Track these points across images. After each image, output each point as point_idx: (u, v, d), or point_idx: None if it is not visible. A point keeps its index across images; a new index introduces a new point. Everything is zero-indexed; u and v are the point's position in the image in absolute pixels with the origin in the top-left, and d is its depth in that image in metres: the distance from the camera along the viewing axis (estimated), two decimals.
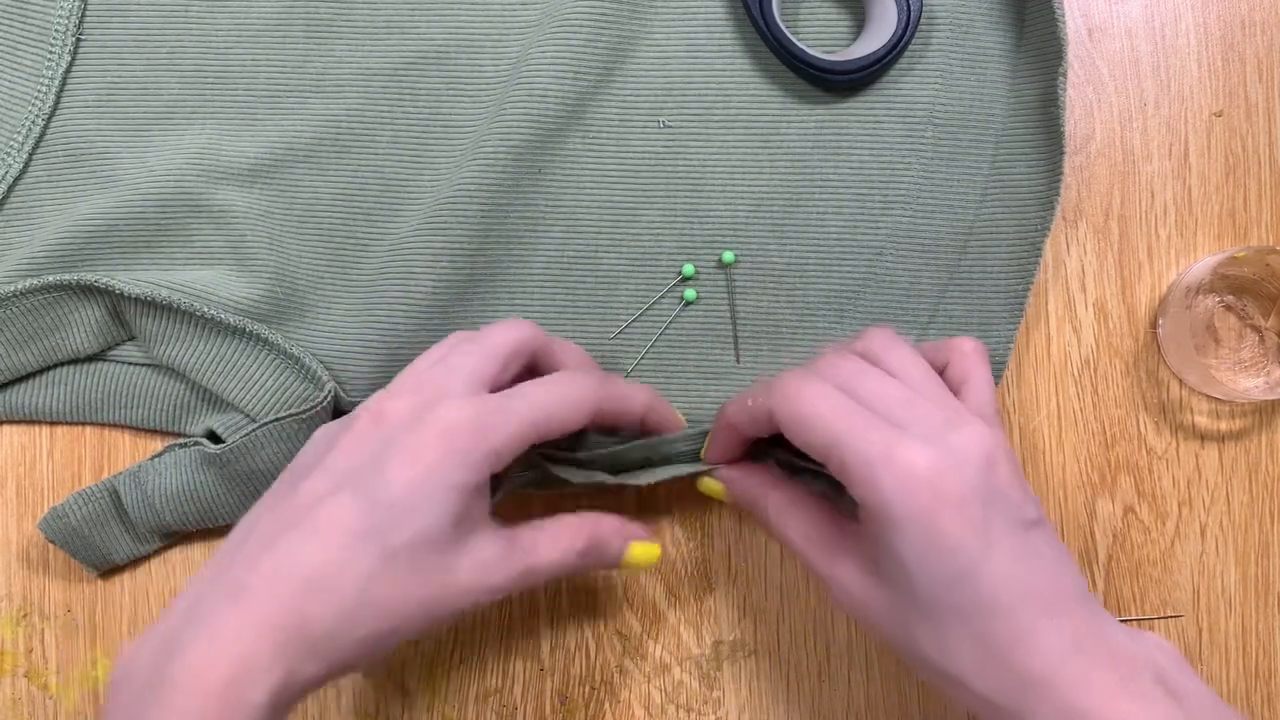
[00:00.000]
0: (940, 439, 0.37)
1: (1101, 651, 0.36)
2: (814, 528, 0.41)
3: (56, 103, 0.49)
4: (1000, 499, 0.37)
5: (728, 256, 0.47)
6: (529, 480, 0.45)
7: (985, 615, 0.36)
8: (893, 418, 0.38)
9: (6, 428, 0.50)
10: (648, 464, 0.46)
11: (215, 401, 0.48)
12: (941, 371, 0.42)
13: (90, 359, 0.49)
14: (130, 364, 0.49)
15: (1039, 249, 0.46)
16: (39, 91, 0.49)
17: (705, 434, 0.45)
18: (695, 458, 0.46)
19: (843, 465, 0.37)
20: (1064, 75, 0.45)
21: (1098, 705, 0.35)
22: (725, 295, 0.48)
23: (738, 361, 0.48)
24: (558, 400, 0.40)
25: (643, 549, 0.43)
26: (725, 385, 0.48)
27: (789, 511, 0.42)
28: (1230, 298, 0.49)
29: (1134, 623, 0.48)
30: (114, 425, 0.49)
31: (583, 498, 0.47)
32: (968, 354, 0.42)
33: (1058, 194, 0.46)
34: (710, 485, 0.45)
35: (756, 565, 0.49)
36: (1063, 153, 0.46)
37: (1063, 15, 0.45)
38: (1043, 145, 0.46)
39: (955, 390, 0.41)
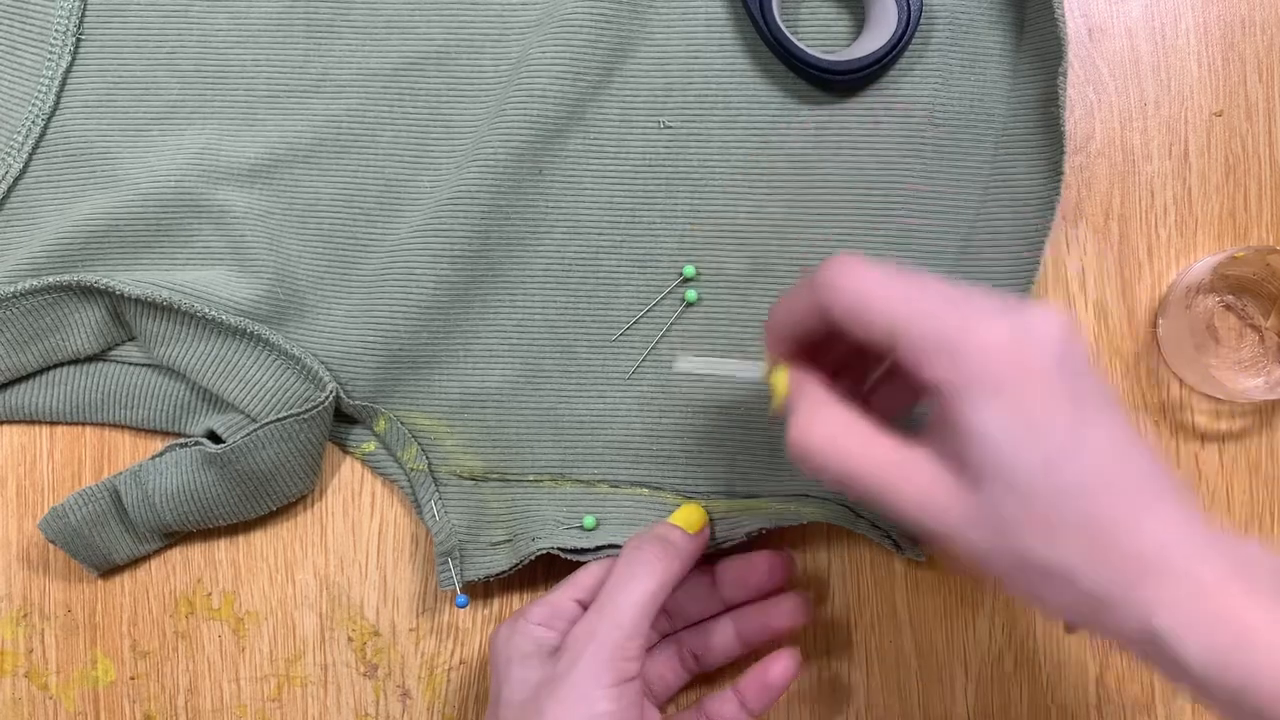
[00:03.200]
0: (1015, 316, 0.34)
1: (1218, 540, 0.33)
2: (879, 446, 0.36)
3: (56, 103, 0.49)
4: (1086, 374, 0.34)
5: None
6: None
7: (1094, 493, 0.33)
8: (965, 291, 0.35)
9: (6, 428, 0.50)
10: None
11: (215, 401, 0.48)
12: None
13: (90, 359, 0.49)
14: (130, 364, 0.49)
15: (1040, 249, 0.46)
16: (39, 91, 0.49)
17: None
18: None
19: (915, 347, 0.34)
20: (1064, 75, 0.45)
21: (1222, 599, 0.31)
22: (726, 296, 0.48)
23: None
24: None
25: None
26: (727, 389, 0.48)
27: (846, 435, 0.36)
28: (1230, 298, 0.49)
29: None
30: (114, 425, 0.49)
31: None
32: None
33: (1058, 194, 0.46)
34: (778, 379, 0.39)
35: None
36: (1063, 152, 0.45)
37: (1063, 15, 0.45)
38: (1043, 145, 0.46)
39: None
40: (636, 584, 0.41)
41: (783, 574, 0.46)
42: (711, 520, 0.46)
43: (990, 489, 0.34)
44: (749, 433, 0.48)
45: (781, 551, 0.46)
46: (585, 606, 0.44)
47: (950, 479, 0.34)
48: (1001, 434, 0.33)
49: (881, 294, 0.35)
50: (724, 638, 0.46)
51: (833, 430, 0.36)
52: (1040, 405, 0.33)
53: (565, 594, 0.44)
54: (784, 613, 0.45)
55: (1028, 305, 0.35)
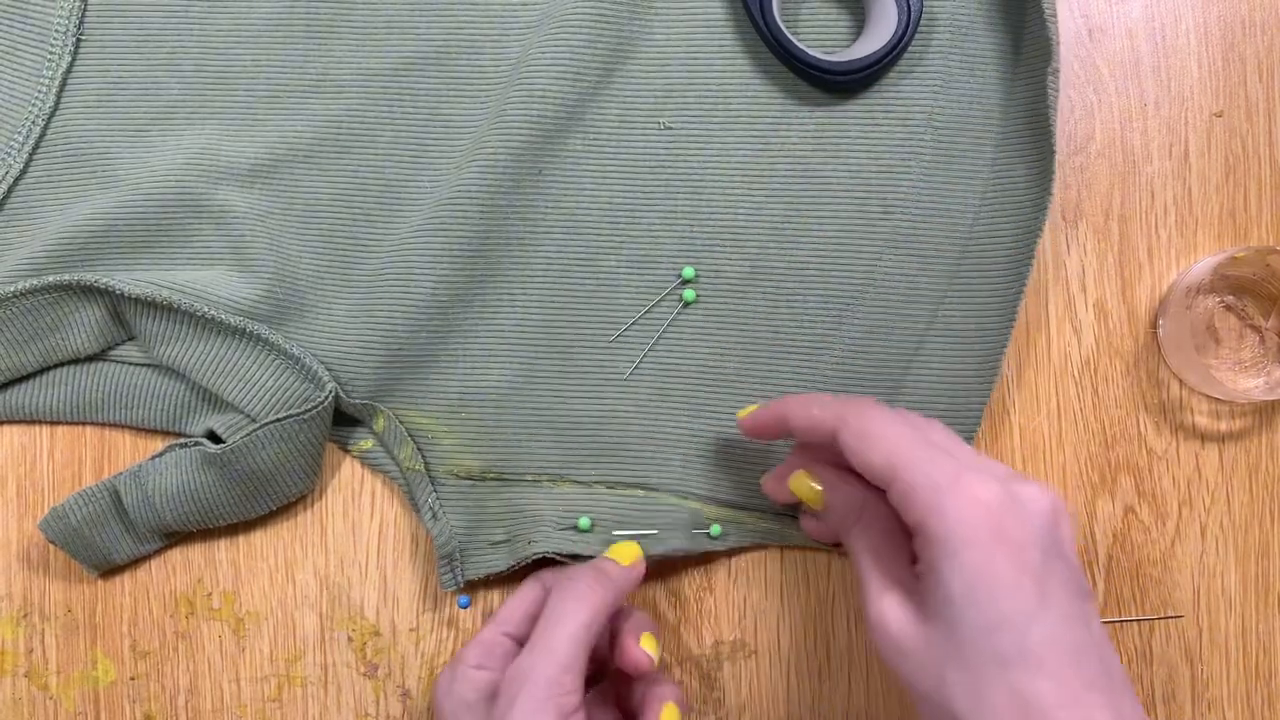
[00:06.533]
0: (1009, 484, 0.36)
1: None
2: (886, 551, 0.39)
3: (57, 103, 0.49)
4: (1062, 558, 0.36)
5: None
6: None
7: (1031, 671, 0.33)
8: (964, 456, 0.37)
9: (6, 428, 0.50)
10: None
11: (215, 401, 0.48)
12: None
13: (90, 359, 0.49)
14: (130, 364, 0.49)
15: (1031, 250, 0.46)
16: (39, 92, 0.49)
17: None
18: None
19: (907, 487, 0.36)
20: (1054, 74, 0.45)
21: None
22: (725, 298, 0.48)
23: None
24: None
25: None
26: (726, 389, 0.48)
27: (872, 527, 0.39)
28: (1230, 298, 0.49)
29: (1134, 623, 0.48)
30: (114, 425, 0.49)
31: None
32: None
33: (1049, 194, 0.46)
34: (804, 485, 0.42)
35: (756, 565, 0.49)
36: (1053, 151, 0.45)
37: (1053, 14, 0.45)
38: (1039, 146, 0.46)
39: None
40: (568, 618, 0.41)
41: (639, 671, 0.44)
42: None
43: (936, 631, 0.35)
44: (746, 440, 0.48)
45: (650, 658, 0.44)
46: (515, 639, 0.43)
47: (911, 606, 0.37)
48: (961, 586, 0.34)
49: (886, 431, 0.37)
50: (649, 711, 0.44)
51: (855, 516, 0.40)
52: (1006, 571, 0.34)
53: (494, 630, 0.44)
54: None
55: (1026, 479, 0.37)
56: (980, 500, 0.35)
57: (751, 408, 0.44)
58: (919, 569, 0.37)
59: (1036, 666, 0.34)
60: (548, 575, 0.46)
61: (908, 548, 0.38)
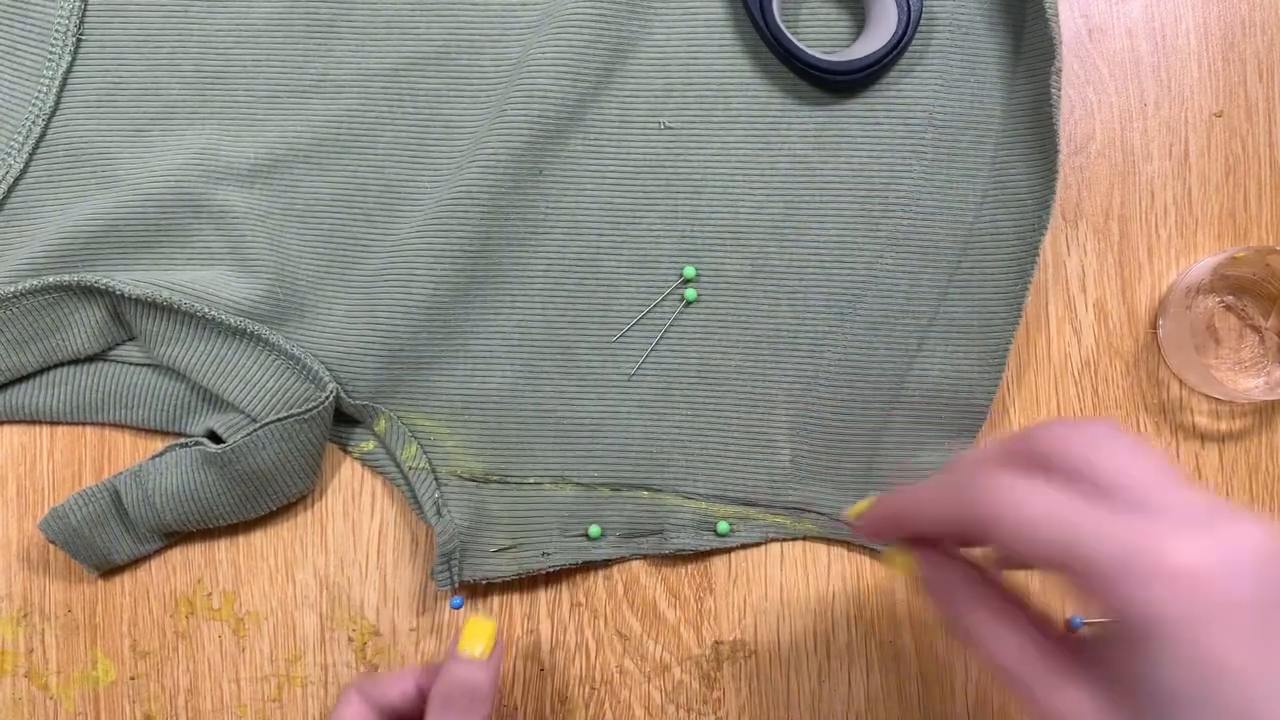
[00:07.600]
0: (1209, 528, 0.30)
1: None
2: (1031, 644, 0.33)
3: (57, 103, 0.49)
4: None
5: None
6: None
7: None
8: (1146, 501, 0.31)
9: (6, 428, 0.50)
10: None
11: (216, 401, 0.48)
12: None
13: (90, 359, 0.49)
14: (130, 364, 0.49)
15: (1035, 249, 0.46)
16: (39, 92, 0.49)
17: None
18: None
19: (1086, 569, 0.30)
20: (1058, 73, 0.45)
21: None
22: (727, 297, 0.48)
23: None
24: None
25: None
26: (728, 388, 0.48)
27: (999, 623, 0.34)
28: (1230, 298, 0.49)
29: None
30: (114, 425, 0.49)
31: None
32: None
33: (1053, 193, 0.46)
34: (899, 560, 0.37)
35: (756, 565, 0.49)
36: (1057, 151, 0.46)
37: (1055, 14, 0.45)
38: (1040, 146, 0.46)
39: None
40: None
41: None
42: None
43: None
44: (749, 438, 0.48)
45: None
46: None
47: (1108, 707, 0.31)
48: (1176, 678, 0.29)
49: (1052, 509, 0.31)
50: None
51: (987, 626, 0.34)
52: (1226, 651, 0.29)
53: None
54: None
55: (1229, 516, 0.30)
56: (1182, 567, 0.29)
57: (861, 505, 0.39)
58: (1097, 649, 0.32)
59: None
60: (365, 685, 0.43)
61: (1049, 628, 0.34)
